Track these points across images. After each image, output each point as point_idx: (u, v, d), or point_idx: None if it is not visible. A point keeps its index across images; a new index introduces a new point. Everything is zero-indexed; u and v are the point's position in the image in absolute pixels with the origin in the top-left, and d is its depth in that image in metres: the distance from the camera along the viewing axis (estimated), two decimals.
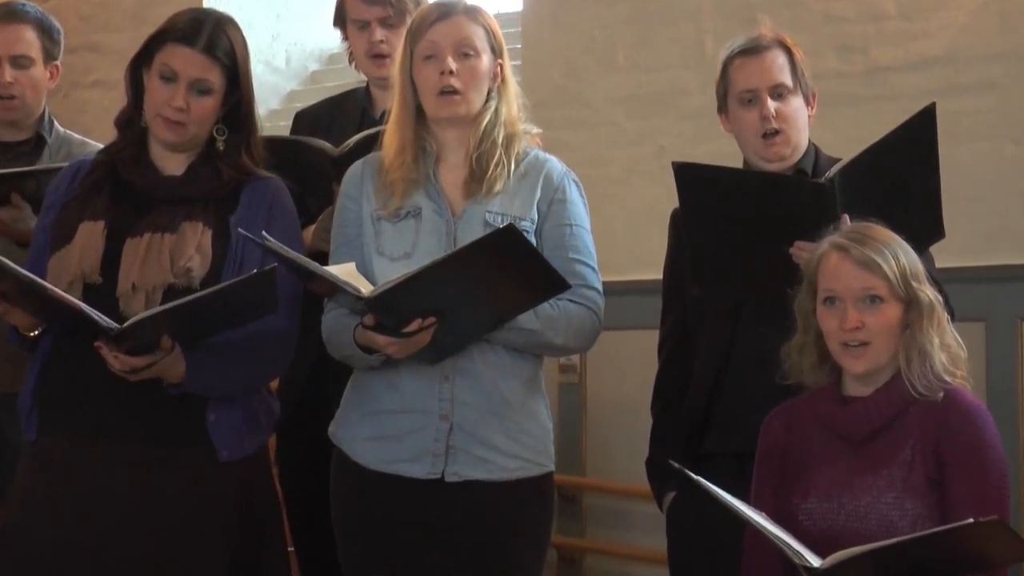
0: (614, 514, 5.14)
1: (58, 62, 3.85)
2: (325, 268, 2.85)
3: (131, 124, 3.08)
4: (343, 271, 2.86)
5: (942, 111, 4.56)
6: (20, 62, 3.72)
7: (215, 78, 3.02)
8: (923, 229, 2.94)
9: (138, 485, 2.91)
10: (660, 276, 4.73)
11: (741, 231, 2.99)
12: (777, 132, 3.17)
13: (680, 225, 3.20)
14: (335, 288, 2.82)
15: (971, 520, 2.39)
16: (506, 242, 2.73)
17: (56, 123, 3.83)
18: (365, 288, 2.81)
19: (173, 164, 3.06)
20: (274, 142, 3.29)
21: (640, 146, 5.19)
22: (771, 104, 3.16)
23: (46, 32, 3.79)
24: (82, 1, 5.63)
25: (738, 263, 3.04)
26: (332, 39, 6.18)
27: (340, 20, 3.66)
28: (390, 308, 2.78)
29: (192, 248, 2.94)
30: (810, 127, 3.24)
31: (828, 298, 2.76)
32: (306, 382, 3.45)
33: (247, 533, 2.98)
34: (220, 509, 2.95)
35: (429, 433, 2.91)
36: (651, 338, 4.56)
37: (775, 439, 2.84)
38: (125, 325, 2.78)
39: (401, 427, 2.93)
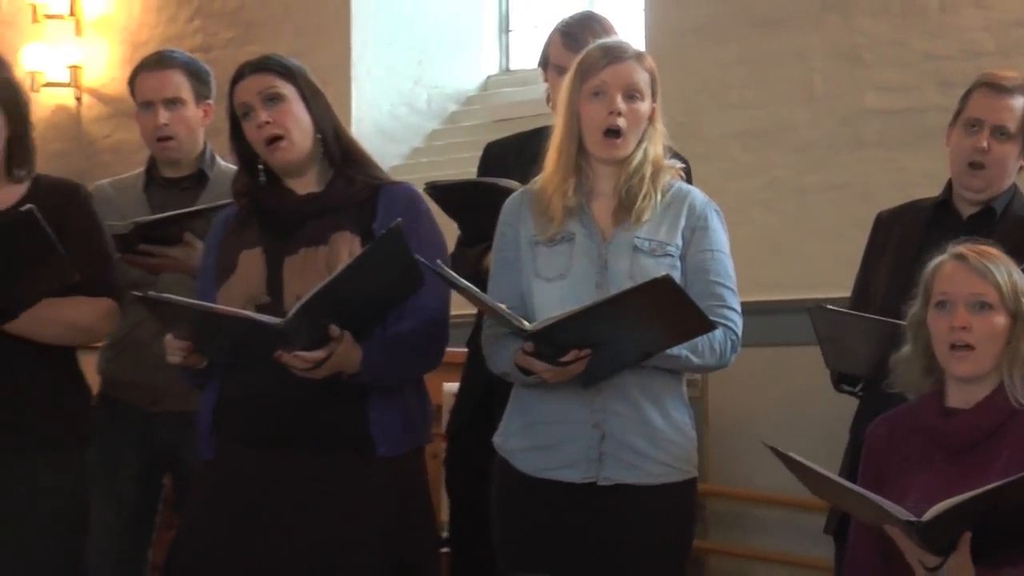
0: (735, 518, 5.43)
1: (211, 100, 4.11)
2: (494, 302, 3.13)
3: (252, 186, 3.35)
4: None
5: None
6: (173, 104, 4.00)
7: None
8: None
9: (307, 491, 3.16)
10: (773, 297, 5.20)
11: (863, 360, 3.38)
12: (982, 166, 3.46)
13: (876, 232, 3.69)
14: (496, 312, 3.10)
15: None
16: (661, 290, 2.96)
17: (218, 159, 4.09)
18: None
19: (303, 187, 3.33)
20: (464, 186, 3.73)
21: (753, 178, 5.52)
22: (987, 140, 3.45)
23: (194, 74, 4.08)
24: (241, 52, 6.09)
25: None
26: (469, 82, 7.12)
27: (544, 62, 3.89)
28: (549, 340, 3.06)
29: (345, 254, 3.17)
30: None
31: (940, 302, 2.92)
32: (481, 391, 3.74)
33: (403, 533, 3.21)
34: (380, 509, 3.18)
35: (583, 441, 3.16)
36: (767, 355, 5.14)
37: (878, 445, 3.03)
38: (288, 316, 3.00)
39: (558, 436, 3.19)
